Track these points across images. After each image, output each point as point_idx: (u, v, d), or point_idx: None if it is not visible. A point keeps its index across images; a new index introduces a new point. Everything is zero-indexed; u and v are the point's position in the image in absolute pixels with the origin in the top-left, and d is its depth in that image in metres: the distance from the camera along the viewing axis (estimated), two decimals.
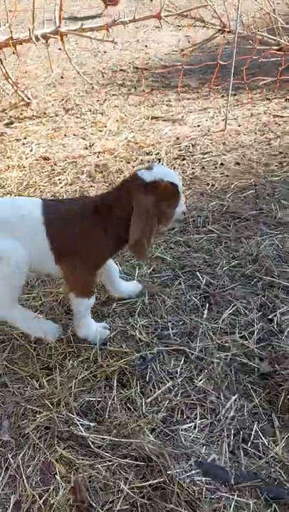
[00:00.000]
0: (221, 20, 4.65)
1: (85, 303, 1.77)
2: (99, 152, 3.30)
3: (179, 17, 4.84)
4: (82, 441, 1.47)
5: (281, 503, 1.32)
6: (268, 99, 4.36)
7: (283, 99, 4.31)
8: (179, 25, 4.90)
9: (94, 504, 1.31)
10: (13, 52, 4.11)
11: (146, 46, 6.24)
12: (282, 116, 3.97)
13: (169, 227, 1.79)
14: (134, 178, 1.65)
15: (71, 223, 1.67)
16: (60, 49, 5.20)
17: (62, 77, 5.00)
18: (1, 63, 3.85)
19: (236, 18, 3.62)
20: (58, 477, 1.37)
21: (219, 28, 4.73)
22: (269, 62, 4.39)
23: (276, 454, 1.45)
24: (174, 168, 3.11)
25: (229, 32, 4.78)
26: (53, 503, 1.31)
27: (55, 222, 1.66)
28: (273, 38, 4.62)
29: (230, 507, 1.30)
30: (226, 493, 1.34)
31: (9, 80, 3.91)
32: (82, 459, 1.42)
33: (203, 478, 1.37)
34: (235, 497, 1.32)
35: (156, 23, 6.94)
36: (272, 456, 1.45)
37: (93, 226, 1.67)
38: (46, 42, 3.87)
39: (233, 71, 3.65)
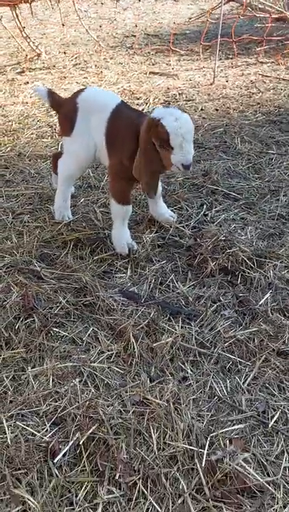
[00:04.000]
0: None
1: (116, 206, 2.00)
2: None
3: None
4: (37, 273, 1.93)
5: (175, 315, 1.75)
6: (262, 62, 4.70)
7: (276, 63, 4.63)
8: None
9: (37, 307, 1.76)
10: (31, 12, 4.58)
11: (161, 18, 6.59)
12: (269, 76, 4.31)
13: (168, 170, 1.88)
14: (151, 111, 1.90)
15: (119, 132, 1.93)
16: (80, 10, 5.63)
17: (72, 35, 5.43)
18: (18, 18, 4.31)
19: None
20: (14, 289, 1.83)
21: None
22: (264, 27, 4.72)
23: (182, 291, 1.88)
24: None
25: (234, 0, 5.11)
26: (7, 304, 1.77)
27: (114, 124, 1.94)
28: (270, 5, 4.92)
29: (136, 313, 1.74)
30: (136, 307, 1.78)
31: (23, 32, 4.37)
32: (34, 283, 1.88)
33: (121, 298, 1.82)
34: (142, 308, 1.76)
35: None
36: (178, 292, 1.88)
37: (129, 141, 1.89)
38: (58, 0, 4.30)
39: (220, 31, 4.02)
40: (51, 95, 2.16)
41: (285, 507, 1.19)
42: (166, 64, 4.65)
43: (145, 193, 2.12)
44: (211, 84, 4.10)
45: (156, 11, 7.08)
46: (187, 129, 1.74)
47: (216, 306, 1.81)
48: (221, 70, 4.50)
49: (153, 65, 4.65)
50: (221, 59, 4.78)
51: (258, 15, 4.97)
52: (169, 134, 1.72)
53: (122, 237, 2.05)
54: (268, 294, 1.84)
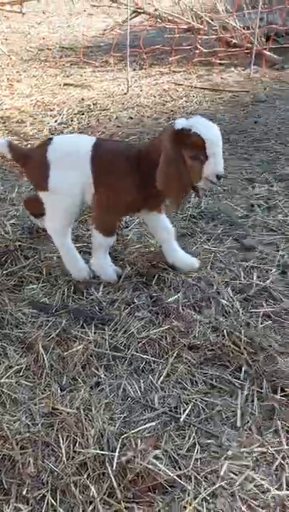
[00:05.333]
0: (135, 1, 5.10)
1: (100, 238, 1.86)
2: (6, 108, 3.68)
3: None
4: None
5: (88, 322, 1.74)
6: (174, 71, 4.85)
7: (188, 72, 4.80)
8: (94, 5, 5.28)
9: None
10: None
11: (76, 31, 6.63)
12: (182, 85, 4.45)
13: (199, 183, 1.70)
14: (169, 126, 1.68)
15: (113, 161, 1.79)
16: None
17: None
18: None
19: None
20: None
21: (134, 9, 5.18)
22: (174, 38, 4.90)
23: (96, 297, 1.87)
24: (72, 120, 3.53)
25: (144, 13, 5.25)
26: None
27: (101, 160, 1.80)
28: (179, 16, 5.10)
29: (46, 324, 1.70)
30: (46, 318, 1.74)
31: None
32: None
33: (31, 311, 1.77)
34: (53, 318, 1.73)
35: (89, 10, 7.34)
36: (92, 299, 1.86)
37: (129, 170, 1.76)
38: None
39: (128, 43, 4.11)
40: (12, 147, 1.96)
41: (195, 498, 1.20)
42: (81, 75, 4.68)
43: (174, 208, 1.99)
44: (125, 93, 4.16)
45: (71, 24, 7.12)
46: (219, 137, 1.65)
47: (130, 308, 1.82)
48: (135, 80, 4.59)
49: (67, 76, 4.66)
50: (135, 69, 4.89)
51: (167, 26, 5.13)
52: (206, 142, 1.60)
53: (106, 266, 1.93)
54: (180, 292, 1.87)
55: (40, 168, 1.84)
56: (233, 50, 5.12)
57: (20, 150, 2.03)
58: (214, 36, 5.08)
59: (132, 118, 3.65)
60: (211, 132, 1.61)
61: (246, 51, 4.98)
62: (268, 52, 5.04)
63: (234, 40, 5.11)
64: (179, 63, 5.04)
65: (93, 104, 3.85)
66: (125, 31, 4.83)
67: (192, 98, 4.12)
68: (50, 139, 1.93)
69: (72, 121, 3.51)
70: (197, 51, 4.92)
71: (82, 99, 3.98)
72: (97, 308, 1.82)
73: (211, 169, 1.63)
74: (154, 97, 4.15)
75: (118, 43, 4.99)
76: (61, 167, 1.81)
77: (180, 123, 1.64)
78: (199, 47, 4.94)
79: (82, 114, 3.65)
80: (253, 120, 3.62)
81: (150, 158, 1.71)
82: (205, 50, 5.00)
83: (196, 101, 4.04)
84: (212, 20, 5.11)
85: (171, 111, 3.82)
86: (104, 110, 3.76)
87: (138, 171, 1.75)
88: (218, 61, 4.96)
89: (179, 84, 4.45)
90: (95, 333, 1.69)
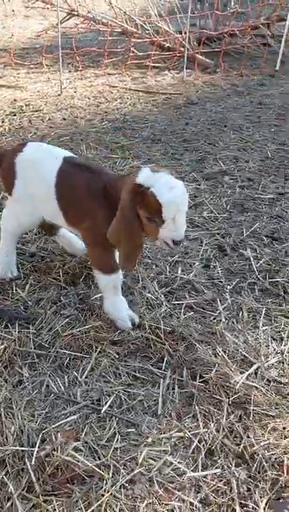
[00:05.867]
0: (68, 3, 5.10)
1: (102, 278, 1.68)
2: None
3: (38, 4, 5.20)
4: None
5: (12, 322, 1.73)
6: (110, 74, 4.89)
7: (122, 75, 4.86)
8: (27, 6, 5.23)
9: None
10: None
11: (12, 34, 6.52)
12: (116, 87, 4.50)
13: (155, 243, 1.55)
14: (135, 173, 1.48)
15: (79, 198, 1.64)
16: None
17: None
18: None
19: None
20: None
21: (68, 11, 5.17)
22: (107, 40, 4.94)
23: (22, 296, 1.86)
24: (3, 121, 3.48)
25: (77, 15, 5.25)
26: None
27: (65, 191, 1.67)
28: (113, 19, 5.15)
29: None
30: None
31: None
32: None
33: None
34: None
35: (25, 12, 7.23)
36: (17, 299, 1.85)
37: (98, 205, 1.60)
38: None
39: (60, 44, 4.11)
40: None
41: (113, 485, 1.22)
42: (14, 77, 4.61)
43: (121, 267, 1.65)
44: (59, 95, 4.15)
45: (6, 26, 7.00)
46: (183, 200, 1.43)
47: (56, 306, 1.82)
48: (70, 81, 4.59)
49: (0, 78, 4.58)
50: (70, 71, 4.89)
51: (101, 29, 5.17)
52: (162, 206, 1.39)
53: (120, 310, 1.72)
54: None
55: (8, 172, 1.78)
56: (166, 53, 5.24)
57: None
58: (148, 40, 5.17)
59: (65, 119, 3.65)
60: (171, 195, 1.39)
61: (179, 55, 5.11)
62: (200, 56, 5.21)
63: (167, 44, 5.23)
64: (114, 66, 5.09)
65: (26, 105, 3.81)
66: (60, 33, 4.83)
67: (126, 100, 4.17)
68: (23, 144, 1.83)
69: (3, 122, 3.46)
70: (131, 54, 4.99)
71: (15, 100, 3.92)
72: (22, 307, 1.81)
73: (167, 234, 1.45)
74: (89, 98, 4.16)
75: (52, 45, 4.96)
76: (27, 179, 1.75)
77: (142, 176, 1.44)
78: (133, 50, 5.02)
79: (14, 115, 3.61)
80: (185, 122, 3.73)
81: (115, 195, 1.53)
82: (139, 53, 5.09)
83: (130, 103, 4.10)
84: (145, 23, 5.20)
85: (105, 112, 3.86)
86: (36, 111, 3.73)
87: (106, 206, 1.58)
88: (152, 64, 5.06)
89: (113, 87, 4.50)
90: (19, 332, 1.69)
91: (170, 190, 1.40)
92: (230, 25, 5.47)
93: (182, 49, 5.02)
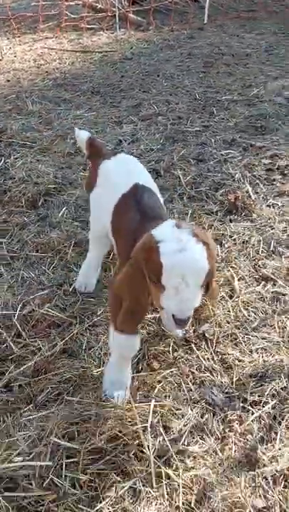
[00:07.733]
0: None
1: (117, 339, 1.38)
2: None
3: None
4: None
5: None
6: (47, 38, 5.12)
7: (59, 38, 5.10)
8: None
9: None
10: None
11: None
12: (55, 49, 4.76)
13: (159, 307, 1.26)
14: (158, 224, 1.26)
15: (127, 229, 1.44)
16: None
17: None
18: None
19: None
20: None
21: None
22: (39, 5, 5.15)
23: None
24: None
25: None
26: None
27: (119, 215, 1.52)
28: None
29: None
30: None
31: None
32: None
33: None
34: None
35: None
36: None
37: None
38: None
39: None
40: (91, 143, 1.80)
41: (80, 328, 1.66)
42: None
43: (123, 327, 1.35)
44: (0, 60, 4.39)
45: None
46: (191, 269, 1.14)
47: (22, 225, 2.21)
48: (10, 47, 4.80)
49: None
50: (8, 38, 5.09)
51: None
52: (164, 268, 1.14)
53: (116, 379, 1.44)
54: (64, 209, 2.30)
55: (93, 173, 1.74)
56: (99, 14, 5.49)
57: (98, 147, 1.84)
58: (80, 2, 5.40)
59: (9, 81, 3.92)
60: (177, 258, 1.13)
61: (111, 15, 5.38)
62: (132, 15, 5.50)
63: (99, 5, 5.48)
64: (50, 30, 5.31)
65: None
66: None
67: (65, 60, 4.46)
68: (116, 153, 1.80)
69: None
70: (65, 17, 5.22)
71: None
72: None
73: (168, 304, 1.18)
74: (29, 61, 4.42)
75: None
76: (103, 187, 1.65)
77: (160, 228, 1.22)
78: (67, 13, 5.24)
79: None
80: (121, 75, 4.07)
81: None
82: (73, 16, 5.32)
83: (69, 62, 4.40)
84: None
85: (46, 72, 4.15)
86: None
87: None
88: (87, 26, 5.31)
89: (51, 49, 4.75)
90: None
91: (178, 251, 1.14)
92: None
93: (114, 9, 5.29)
